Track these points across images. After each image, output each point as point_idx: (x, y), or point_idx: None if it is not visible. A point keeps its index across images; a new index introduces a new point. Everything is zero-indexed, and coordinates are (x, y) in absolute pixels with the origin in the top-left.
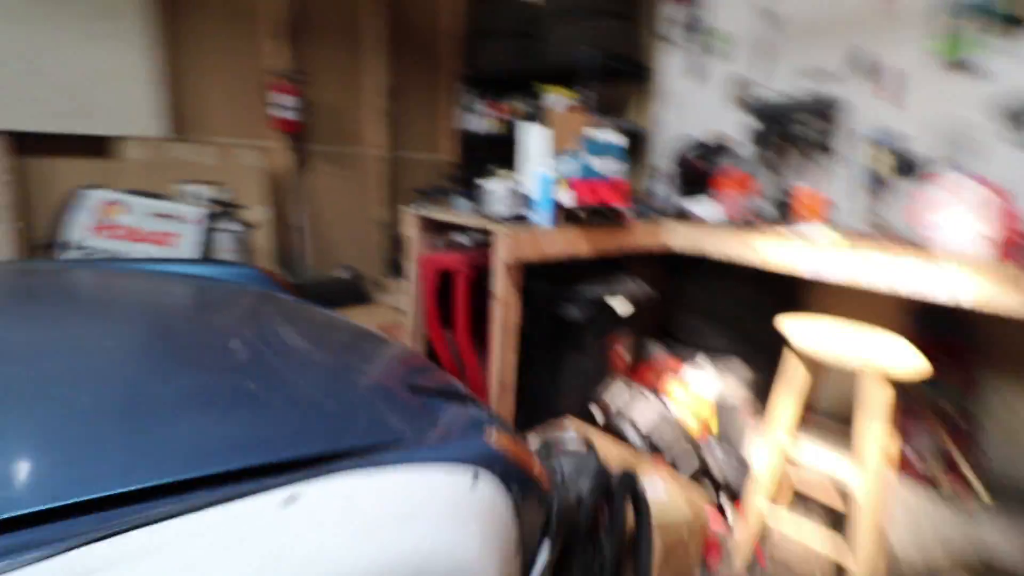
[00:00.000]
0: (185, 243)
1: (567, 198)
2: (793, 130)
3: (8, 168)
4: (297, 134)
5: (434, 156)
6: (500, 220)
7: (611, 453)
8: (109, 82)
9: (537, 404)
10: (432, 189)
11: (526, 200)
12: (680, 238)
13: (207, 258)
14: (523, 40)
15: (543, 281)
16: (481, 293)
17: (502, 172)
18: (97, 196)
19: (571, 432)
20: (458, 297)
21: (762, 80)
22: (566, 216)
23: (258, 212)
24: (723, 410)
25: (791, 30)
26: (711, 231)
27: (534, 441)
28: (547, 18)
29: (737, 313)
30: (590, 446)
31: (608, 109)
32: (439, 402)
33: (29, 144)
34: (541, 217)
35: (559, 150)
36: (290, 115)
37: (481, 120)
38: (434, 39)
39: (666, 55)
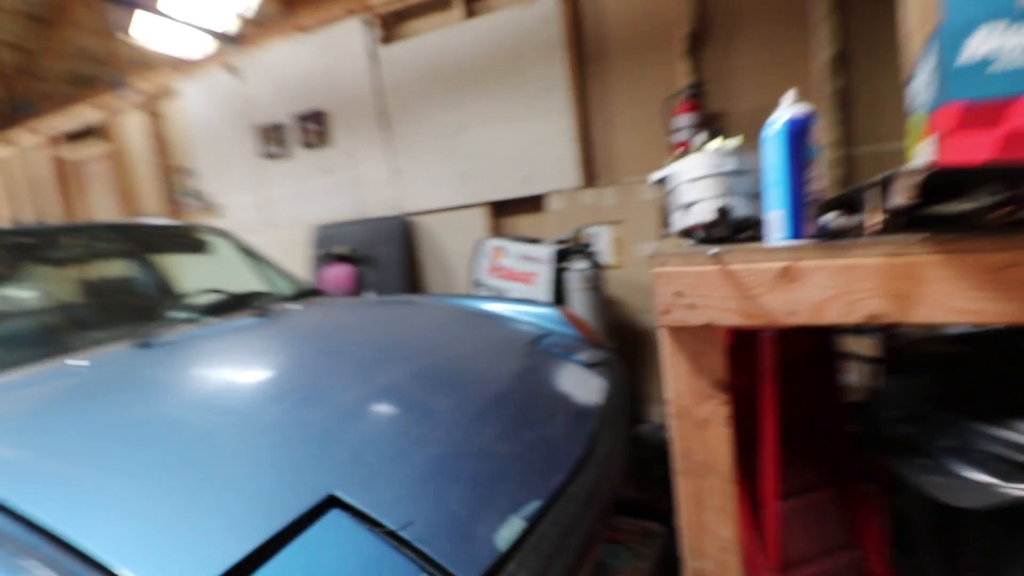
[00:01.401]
0: (541, 281)
1: (926, 154)
2: None
3: (488, 227)
4: None
5: None
6: (678, 237)
7: None
8: (543, 150)
9: None
10: None
11: (742, 191)
12: None
13: (533, 299)
14: None
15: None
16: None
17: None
18: (489, 244)
19: None
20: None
21: None
22: (892, 217)
23: (646, 247)
24: None
25: None
26: None
27: None
28: None
29: None
30: None
31: None
32: None
33: (499, 208)
34: (774, 227)
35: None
36: (685, 136)
37: None
38: None
39: None
